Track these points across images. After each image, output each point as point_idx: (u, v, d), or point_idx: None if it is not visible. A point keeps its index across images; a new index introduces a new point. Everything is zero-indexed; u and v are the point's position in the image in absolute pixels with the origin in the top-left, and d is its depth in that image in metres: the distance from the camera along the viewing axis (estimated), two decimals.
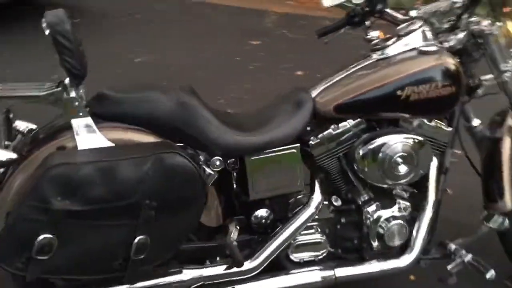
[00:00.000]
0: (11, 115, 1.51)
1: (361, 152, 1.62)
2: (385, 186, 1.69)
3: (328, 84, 1.70)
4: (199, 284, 1.55)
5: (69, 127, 1.43)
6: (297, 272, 1.64)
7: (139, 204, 1.32)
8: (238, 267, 1.52)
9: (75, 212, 1.28)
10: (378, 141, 1.62)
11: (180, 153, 1.38)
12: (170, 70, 3.89)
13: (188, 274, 1.51)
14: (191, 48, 4.47)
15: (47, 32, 1.39)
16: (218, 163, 1.53)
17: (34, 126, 1.57)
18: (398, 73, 1.62)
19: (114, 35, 4.80)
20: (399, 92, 1.61)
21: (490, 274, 1.68)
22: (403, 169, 1.63)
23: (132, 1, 5.74)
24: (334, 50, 4.55)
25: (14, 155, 1.40)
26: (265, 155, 1.59)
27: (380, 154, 1.61)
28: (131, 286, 1.44)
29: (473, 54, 1.77)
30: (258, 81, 3.78)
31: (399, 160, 1.62)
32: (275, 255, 1.60)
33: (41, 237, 1.27)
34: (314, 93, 1.68)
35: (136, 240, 1.34)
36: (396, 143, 1.61)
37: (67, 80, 1.43)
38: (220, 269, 1.55)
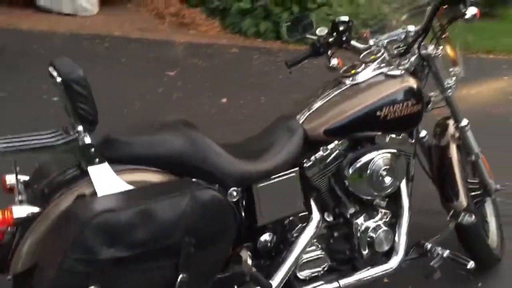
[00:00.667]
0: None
1: (351, 171, 1.79)
2: (369, 198, 1.87)
3: (312, 110, 1.83)
4: None
5: (83, 174, 1.42)
6: None
7: (179, 243, 1.34)
8: None
9: (120, 259, 1.27)
10: (364, 159, 1.79)
11: (212, 188, 1.43)
12: None
13: None
14: (107, 83, 4.38)
15: (59, 80, 1.37)
16: (235, 193, 1.59)
17: (26, 178, 1.52)
18: (374, 96, 1.82)
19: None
20: (378, 113, 1.80)
21: (470, 264, 1.93)
22: (388, 180, 1.82)
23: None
24: (244, 77, 4.79)
25: (36, 208, 1.35)
26: (271, 181, 1.68)
27: (368, 170, 1.78)
28: None
29: (421, 75, 2.04)
30: (188, 110, 3.83)
31: (384, 173, 1.81)
32: (289, 274, 1.69)
33: None
34: (301, 120, 1.81)
35: (179, 279, 1.36)
36: (379, 158, 1.80)
37: (80, 127, 1.41)
38: None
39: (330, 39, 2.00)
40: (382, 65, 1.91)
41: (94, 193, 1.39)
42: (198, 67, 4.97)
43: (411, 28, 1.95)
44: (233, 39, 6.10)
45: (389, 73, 1.88)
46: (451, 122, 2.18)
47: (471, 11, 1.83)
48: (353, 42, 1.99)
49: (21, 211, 1.32)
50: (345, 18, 1.97)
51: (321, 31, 2.03)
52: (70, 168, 1.45)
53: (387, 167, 1.81)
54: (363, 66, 1.91)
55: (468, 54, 5.17)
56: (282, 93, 4.42)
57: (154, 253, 1.32)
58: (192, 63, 5.06)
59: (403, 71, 1.89)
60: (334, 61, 2.06)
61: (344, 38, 1.96)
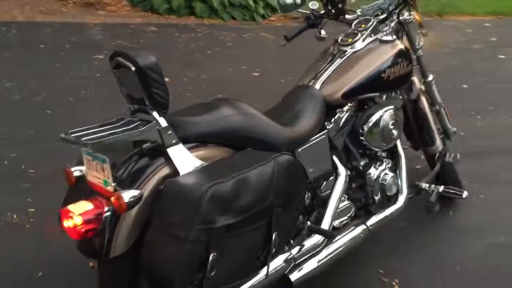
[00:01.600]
0: None
1: (365, 128, 2.04)
2: (378, 150, 2.14)
3: (325, 78, 2.04)
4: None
5: (161, 156, 1.50)
6: (345, 234, 1.99)
7: (271, 205, 1.50)
8: (331, 237, 1.81)
9: (230, 225, 1.40)
10: (375, 117, 2.06)
11: (288, 153, 1.60)
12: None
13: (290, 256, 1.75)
14: (37, 71, 4.18)
15: (133, 69, 1.43)
16: None
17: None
18: (377, 61, 2.07)
19: None
20: (382, 75, 2.07)
21: (465, 194, 2.31)
22: (395, 133, 2.11)
23: None
24: (177, 55, 4.82)
25: (137, 191, 1.41)
26: (309, 145, 1.88)
27: (380, 126, 2.05)
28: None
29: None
30: None
31: (392, 127, 2.09)
32: (333, 224, 1.92)
33: (211, 255, 1.37)
34: (318, 88, 2.01)
35: (273, 237, 1.52)
36: (387, 115, 2.07)
37: (155, 112, 1.49)
38: (309, 246, 1.81)
39: (322, 11, 2.21)
40: (376, 32, 2.16)
41: (176, 172, 1.49)
42: (127, 48, 4.88)
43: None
44: (147, 18, 6.03)
45: (383, 39, 2.14)
46: (416, 79, 2.51)
47: None
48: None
49: (129, 195, 1.37)
50: None
51: (313, 4, 2.23)
52: (143, 152, 1.51)
53: (393, 121, 2.09)
54: (359, 35, 2.15)
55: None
56: (219, 68, 4.56)
57: (253, 216, 1.46)
58: (117, 44, 4.95)
59: (394, 36, 2.16)
60: (323, 32, 2.28)
61: (338, 11, 2.18)
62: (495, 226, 2.52)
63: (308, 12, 2.26)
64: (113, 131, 1.45)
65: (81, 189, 1.52)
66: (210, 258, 1.37)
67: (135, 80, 1.46)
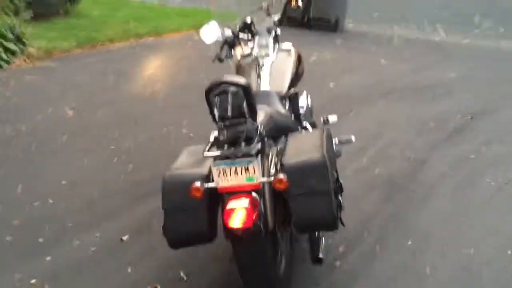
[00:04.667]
0: None
1: (303, 107, 2.93)
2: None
3: (269, 82, 2.80)
4: None
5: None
6: None
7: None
8: None
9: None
10: (302, 98, 2.96)
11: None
12: None
13: None
14: None
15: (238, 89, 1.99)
16: None
17: None
18: (292, 62, 2.95)
19: None
20: (296, 71, 2.96)
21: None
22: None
23: None
24: None
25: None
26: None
27: (309, 105, 2.96)
28: None
29: None
30: None
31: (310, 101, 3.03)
32: None
33: (339, 196, 2.06)
34: (270, 89, 2.76)
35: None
36: (305, 95, 3.00)
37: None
38: None
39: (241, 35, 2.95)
40: (276, 44, 3.02)
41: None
42: None
43: (276, 17, 3.08)
44: None
45: (284, 48, 3.02)
46: None
47: None
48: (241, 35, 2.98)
49: (281, 176, 1.92)
50: (248, 19, 2.94)
51: (228, 31, 2.93)
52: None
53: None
54: (269, 49, 2.96)
55: None
56: None
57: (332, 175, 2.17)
58: None
59: (289, 46, 3.06)
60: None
61: (253, 32, 2.95)
62: None
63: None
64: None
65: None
66: (340, 198, 2.05)
67: (239, 98, 1.97)
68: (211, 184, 1.98)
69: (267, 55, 2.95)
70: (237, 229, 1.90)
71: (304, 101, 2.93)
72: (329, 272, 2.48)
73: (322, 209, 1.97)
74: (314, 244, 2.26)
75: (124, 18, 8.49)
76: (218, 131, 2.08)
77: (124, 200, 3.21)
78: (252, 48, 3.00)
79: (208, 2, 9.88)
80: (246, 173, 1.95)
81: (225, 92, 1.98)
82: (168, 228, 2.07)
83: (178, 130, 4.29)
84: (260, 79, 2.83)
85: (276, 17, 3.08)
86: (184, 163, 2.23)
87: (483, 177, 3.46)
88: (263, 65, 2.90)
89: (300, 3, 3.19)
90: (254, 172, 1.95)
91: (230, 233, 1.97)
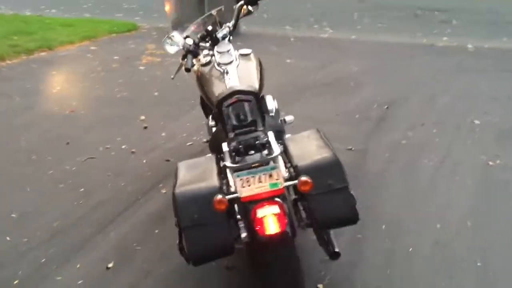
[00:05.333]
0: None
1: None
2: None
3: (240, 84, 2.82)
4: None
5: None
6: None
7: None
8: None
9: None
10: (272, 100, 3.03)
11: None
12: None
13: None
14: None
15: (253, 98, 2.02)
16: None
17: None
18: (256, 66, 2.99)
19: None
20: (261, 74, 3.02)
21: None
22: None
23: None
24: None
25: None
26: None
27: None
28: None
29: None
30: None
31: None
32: None
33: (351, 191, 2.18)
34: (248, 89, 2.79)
35: None
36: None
37: (270, 133, 2.12)
38: None
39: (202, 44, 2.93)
40: (235, 50, 3.05)
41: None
42: None
43: (230, 24, 3.10)
44: None
45: (243, 53, 3.05)
46: None
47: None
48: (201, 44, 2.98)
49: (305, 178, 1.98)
50: (209, 27, 2.93)
51: (189, 41, 2.90)
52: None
53: None
54: (231, 54, 2.98)
55: None
56: None
57: None
58: None
59: (249, 49, 3.10)
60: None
61: (214, 41, 2.95)
62: None
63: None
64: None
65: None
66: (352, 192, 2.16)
67: (252, 106, 2.01)
68: (233, 195, 1.97)
69: (230, 61, 2.96)
70: (273, 235, 1.93)
71: (272, 104, 3.00)
72: (325, 263, 2.59)
73: (345, 205, 2.07)
74: (328, 240, 2.35)
75: (4, 33, 7.83)
76: (229, 141, 2.08)
77: (90, 226, 3.03)
78: (212, 56, 3.00)
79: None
80: (269, 179, 1.98)
81: (238, 102, 1.99)
82: (189, 245, 2.02)
83: (116, 146, 4.11)
84: (228, 84, 2.83)
85: (230, 24, 3.10)
86: (188, 178, 2.18)
87: (420, 159, 3.82)
88: (227, 71, 2.91)
89: (251, 8, 3.22)
90: (278, 177, 1.98)
91: (260, 241, 1.98)
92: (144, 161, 3.87)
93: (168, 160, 3.86)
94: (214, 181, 2.10)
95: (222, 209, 1.95)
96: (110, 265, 2.66)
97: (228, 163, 2.02)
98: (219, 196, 1.94)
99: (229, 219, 2.04)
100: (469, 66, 6.36)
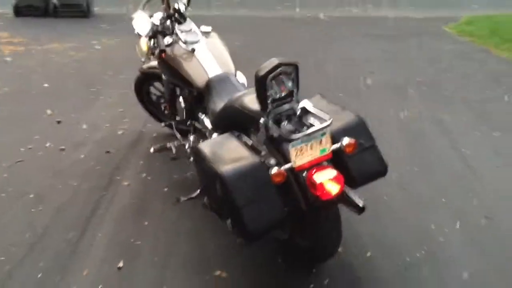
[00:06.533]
0: None
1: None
2: None
3: (218, 65, 2.82)
4: None
5: None
6: None
7: None
8: None
9: None
10: None
11: None
12: None
13: None
14: None
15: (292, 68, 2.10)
16: None
17: None
18: (222, 43, 2.99)
19: None
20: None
21: None
22: None
23: None
24: None
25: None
26: None
27: None
28: None
29: None
30: None
31: None
32: None
33: None
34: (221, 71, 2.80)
35: None
36: None
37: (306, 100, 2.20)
38: None
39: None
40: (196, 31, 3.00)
41: None
42: None
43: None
44: None
45: (205, 30, 3.02)
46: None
47: None
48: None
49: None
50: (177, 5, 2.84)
51: (155, 21, 2.81)
52: None
53: None
54: (197, 34, 2.94)
55: None
56: None
57: None
58: None
59: (209, 28, 3.06)
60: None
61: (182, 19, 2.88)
62: None
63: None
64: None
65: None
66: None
67: (294, 78, 2.08)
68: (287, 166, 2.04)
69: (197, 40, 2.92)
70: (333, 197, 2.05)
71: (243, 79, 3.03)
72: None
73: (377, 161, 2.25)
74: (351, 199, 2.47)
75: None
76: (268, 114, 2.12)
77: (68, 230, 2.75)
78: (177, 36, 2.92)
79: None
80: (319, 145, 2.09)
81: (281, 74, 2.04)
82: (248, 222, 2.02)
83: (39, 145, 3.72)
84: (204, 63, 2.81)
85: (184, 0, 3.02)
86: (226, 157, 2.16)
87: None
88: (194, 50, 2.87)
89: None
90: (327, 143, 2.10)
91: (319, 205, 2.09)
92: (82, 156, 3.58)
93: (108, 152, 3.62)
94: (253, 156, 2.13)
95: (280, 181, 2.01)
96: (120, 264, 2.49)
97: (286, 134, 2.04)
98: (276, 169, 1.99)
99: (279, 191, 2.09)
100: (330, 33, 7.00)
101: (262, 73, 2.05)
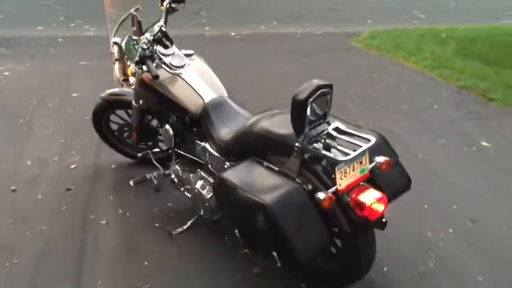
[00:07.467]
0: None
1: None
2: None
3: (211, 90, 2.70)
4: None
5: None
6: None
7: None
8: None
9: None
10: None
11: None
12: None
13: None
14: None
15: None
16: None
17: None
18: (208, 66, 2.87)
19: None
20: None
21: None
22: None
23: None
24: None
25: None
26: None
27: None
28: None
29: None
30: None
31: None
32: None
33: None
34: (215, 95, 2.69)
35: None
36: None
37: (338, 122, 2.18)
38: None
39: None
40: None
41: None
42: None
43: (161, 22, 2.82)
44: None
45: (187, 53, 2.88)
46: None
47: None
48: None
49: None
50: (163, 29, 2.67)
51: (143, 45, 2.62)
52: None
53: None
54: (182, 58, 2.79)
55: None
56: None
57: None
58: None
59: (191, 51, 2.92)
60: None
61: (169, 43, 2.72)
62: None
63: None
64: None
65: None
66: None
67: (329, 99, 2.07)
68: (333, 189, 2.01)
69: (183, 64, 2.77)
70: (380, 216, 2.05)
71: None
72: None
73: (402, 176, 2.30)
74: None
75: None
76: (304, 137, 2.06)
77: (58, 282, 2.43)
78: (160, 60, 2.75)
79: None
80: (360, 166, 2.08)
81: (320, 96, 2.01)
82: (300, 251, 1.96)
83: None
84: (197, 88, 2.68)
85: (161, 23, 2.84)
86: (260, 185, 2.06)
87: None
88: (181, 74, 2.73)
89: (175, 6, 2.94)
90: (365, 162, 2.10)
91: (363, 226, 2.07)
92: (40, 196, 3.20)
93: (69, 189, 3.28)
94: (290, 182, 2.06)
95: (329, 206, 1.97)
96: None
97: (337, 157, 1.99)
98: (323, 194, 1.95)
99: (321, 215, 2.04)
100: (246, 51, 7.06)
101: (302, 96, 1.99)
